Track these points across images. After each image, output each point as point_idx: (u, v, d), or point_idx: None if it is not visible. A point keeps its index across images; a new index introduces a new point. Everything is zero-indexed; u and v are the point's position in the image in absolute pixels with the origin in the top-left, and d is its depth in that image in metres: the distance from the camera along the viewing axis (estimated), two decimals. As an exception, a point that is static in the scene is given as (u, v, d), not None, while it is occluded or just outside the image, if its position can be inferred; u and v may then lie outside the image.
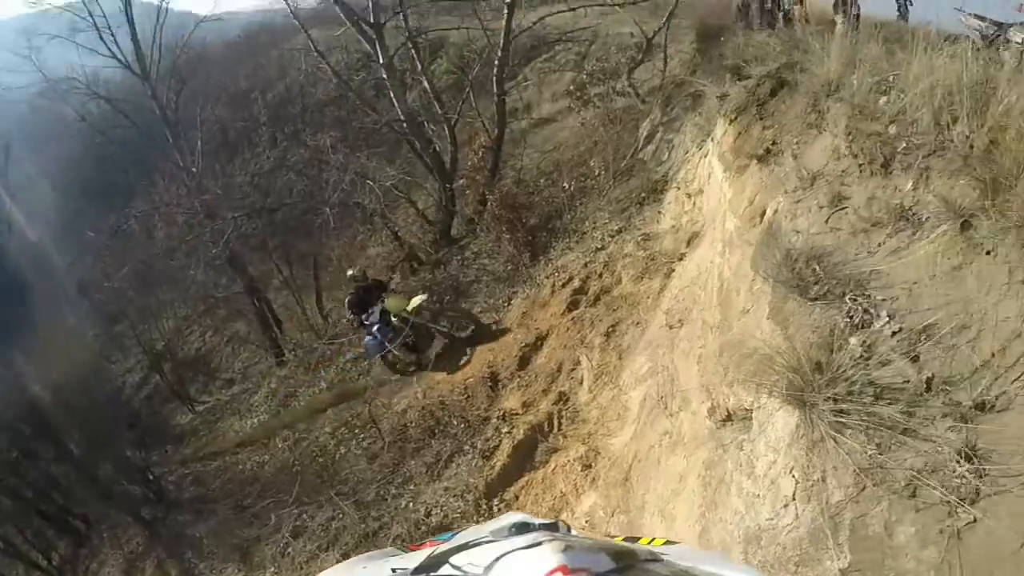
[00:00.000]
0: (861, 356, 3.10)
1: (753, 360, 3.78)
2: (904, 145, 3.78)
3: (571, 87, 15.75)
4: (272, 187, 17.25)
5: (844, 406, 2.91)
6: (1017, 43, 8.60)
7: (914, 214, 3.54)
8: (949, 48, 3.90)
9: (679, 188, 8.58)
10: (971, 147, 3.34)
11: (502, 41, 13.05)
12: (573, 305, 8.87)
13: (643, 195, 9.77)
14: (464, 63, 16.88)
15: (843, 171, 4.24)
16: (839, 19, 7.59)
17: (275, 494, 9.69)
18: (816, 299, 3.57)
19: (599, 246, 9.46)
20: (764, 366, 3.51)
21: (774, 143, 5.38)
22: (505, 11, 12.99)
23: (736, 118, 6.32)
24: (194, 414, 16.61)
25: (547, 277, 9.86)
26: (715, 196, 6.79)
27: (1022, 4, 8.56)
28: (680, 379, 5.77)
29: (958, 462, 2.50)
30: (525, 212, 11.34)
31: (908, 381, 2.91)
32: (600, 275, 8.90)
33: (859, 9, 7.54)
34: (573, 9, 14.94)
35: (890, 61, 4.49)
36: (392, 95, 13.84)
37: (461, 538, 1.08)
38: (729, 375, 4.33)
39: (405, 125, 13.96)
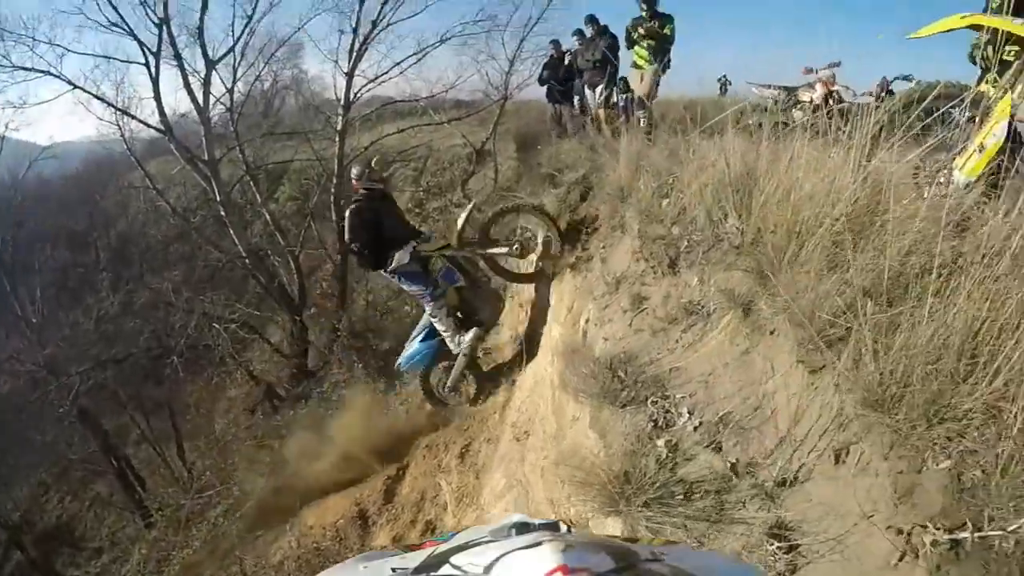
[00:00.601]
0: (667, 457, 3.11)
1: (581, 471, 3.74)
2: (686, 244, 3.96)
3: (410, 204, 15.99)
4: (119, 334, 16.56)
5: (652, 512, 2.87)
6: (805, 101, 9.49)
7: (702, 307, 3.67)
8: (720, 141, 4.15)
9: (512, 298, 8.71)
10: (742, 239, 3.51)
11: (336, 168, 13.19)
12: (427, 430, 8.63)
13: (484, 307, 9.87)
14: (306, 189, 16.94)
15: (641, 272, 4.38)
16: (641, 115, 8.05)
17: None
18: (625, 405, 3.58)
19: (448, 365, 9.40)
20: (588, 477, 3.46)
21: (584, 249, 5.53)
22: (337, 139, 13.19)
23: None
24: (64, 592, 14.89)
25: (401, 404, 9.65)
26: (541, 305, 6.89)
27: (806, 67, 9.48)
28: (533, 492, 5.65)
29: (769, 541, 2.49)
30: (376, 337, 11.21)
31: (714, 471, 2.92)
32: (449, 394, 8.79)
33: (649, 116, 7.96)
34: (402, 130, 15.32)
35: (673, 161, 4.74)
36: (232, 232, 13.63)
37: (461, 538, 1.07)
38: (566, 487, 4.26)
39: (248, 261, 13.71)
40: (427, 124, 15.39)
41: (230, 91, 14.54)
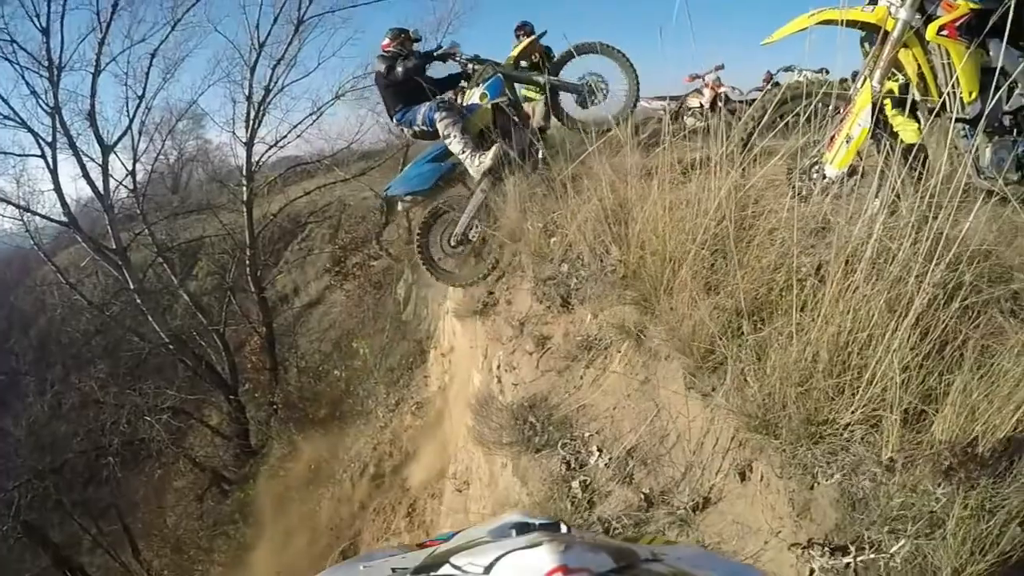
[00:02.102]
0: (583, 497, 3.07)
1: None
2: (575, 281, 3.94)
3: (328, 263, 15.83)
4: (52, 439, 15.83)
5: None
6: (695, 107, 9.74)
7: (599, 342, 3.65)
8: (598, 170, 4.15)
9: (435, 348, 8.65)
10: (624, 270, 3.50)
11: (248, 240, 12.97)
12: (373, 494, 8.47)
13: (411, 360, 9.84)
14: (223, 263, 16.62)
15: (542, 312, 4.35)
16: (536, 149, 8.03)
17: None
18: (540, 450, 3.53)
19: (383, 424, 9.35)
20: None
21: (490, 293, 5.49)
22: (244, 209, 12.98)
23: (460, 272, 6.44)
24: None
25: (344, 471, 9.49)
26: (461, 353, 6.84)
27: (690, 74, 9.75)
28: (479, 544, 5.55)
29: (691, 564, 2.44)
30: (312, 406, 11.01)
31: (630, 505, 2.89)
32: (390, 454, 8.72)
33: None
34: (308, 193, 15.19)
35: (561, 199, 4.70)
36: (152, 319, 13.26)
37: (461, 538, 1.06)
38: (503, 538, 4.17)
39: (172, 347, 13.36)
40: (333, 182, 15.34)
41: (131, 173, 14.22)
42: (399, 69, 5.77)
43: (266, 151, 14.29)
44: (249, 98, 14.05)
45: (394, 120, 6.11)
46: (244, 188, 13.22)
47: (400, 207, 6.45)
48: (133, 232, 14.03)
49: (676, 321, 2.92)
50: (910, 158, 3.11)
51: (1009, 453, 2.08)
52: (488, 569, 0.73)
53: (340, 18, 15.25)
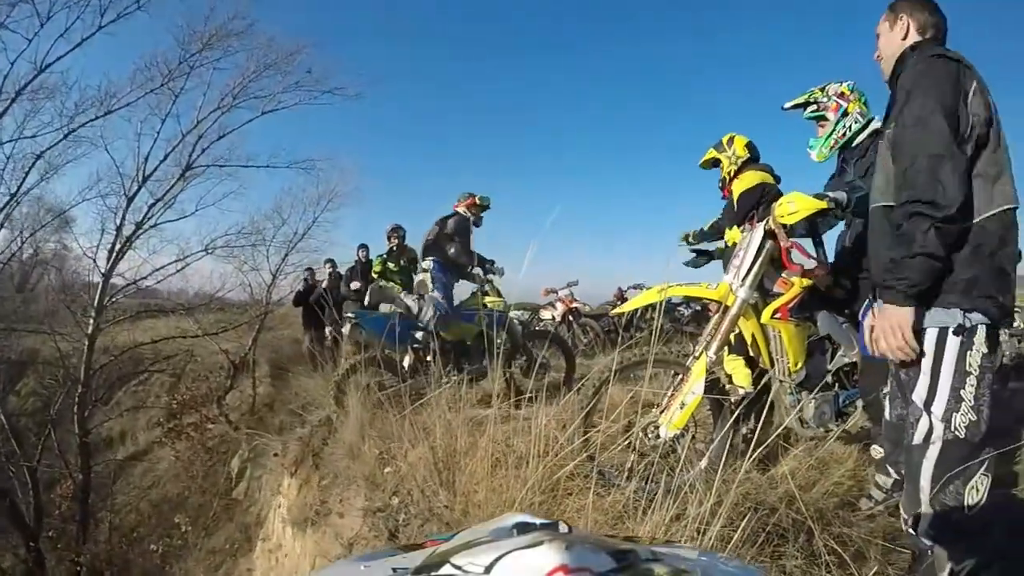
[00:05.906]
0: None
1: None
2: (404, 516, 4.03)
3: (162, 419, 15.05)
4: None
5: None
6: (548, 319, 10.39)
7: (433, 583, 3.68)
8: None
9: (264, 540, 8.21)
10: (451, 516, 3.64)
11: (82, 376, 12.24)
12: None
13: (236, 546, 9.22)
14: (52, 390, 15.45)
15: (371, 539, 4.36)
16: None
17: None
18: None
19: (199, 614, 8.58)
20: None
21: (323, 502, 5.42)
22: (85, 343, 12.33)
23: (296, 471, 6.33)
24: None
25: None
26: (289, 556, 6.57)
27: (546, 288, 10.51)
28: None
29: None
30: (121, 573, 10.04)
31: None
32: (198, 663, 7.95)
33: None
34: (156, 342, 14.71)
35: (399, 428, 4.79)
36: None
37: (461, 538, 0.90)
38: None
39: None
40: (184, 336, 14.97)
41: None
42: (455, 253, 6.90)
43: (123, 287, 13.91)
44: (119, 229, 13.71)
45: (427, 258, 7.01)
46: (91, 321, 12.63)
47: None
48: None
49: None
50: (743, 405, 3.42)
51: None
52: (488, 569, 0.72)
53: (227, 172, 15.46)
